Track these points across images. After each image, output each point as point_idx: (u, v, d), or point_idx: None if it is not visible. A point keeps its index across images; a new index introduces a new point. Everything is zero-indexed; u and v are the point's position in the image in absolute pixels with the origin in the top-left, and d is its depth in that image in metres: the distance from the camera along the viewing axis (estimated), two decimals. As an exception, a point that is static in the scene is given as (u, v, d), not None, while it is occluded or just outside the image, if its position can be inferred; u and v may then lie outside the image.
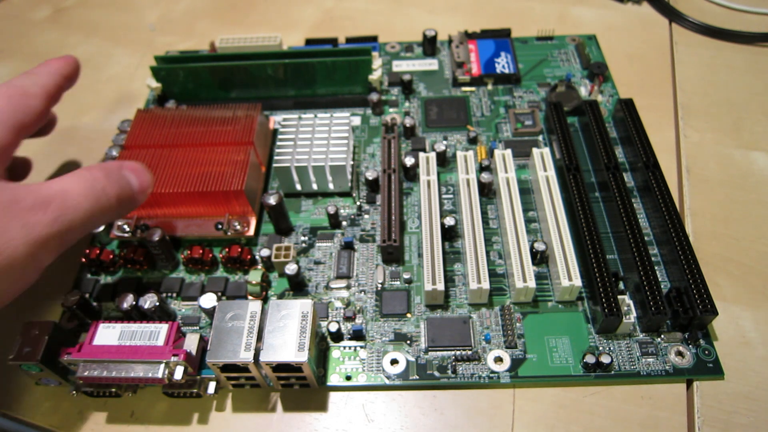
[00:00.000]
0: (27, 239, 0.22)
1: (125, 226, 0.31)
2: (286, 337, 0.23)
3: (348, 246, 0.31)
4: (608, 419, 0.24)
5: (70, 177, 0.24)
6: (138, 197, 0.26)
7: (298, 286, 0.29)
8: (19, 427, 0.26)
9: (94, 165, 0.25)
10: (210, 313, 0.27)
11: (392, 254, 0.30)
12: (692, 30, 0.43)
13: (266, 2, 0.49)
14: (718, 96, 0.38)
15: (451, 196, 0.33)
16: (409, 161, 0.33)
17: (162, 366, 0.23)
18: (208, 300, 0.27)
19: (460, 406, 0.25)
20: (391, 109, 0.38)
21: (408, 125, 0.35)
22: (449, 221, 0.30)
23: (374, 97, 0.37)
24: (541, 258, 0.29)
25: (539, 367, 0.26)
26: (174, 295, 0.30)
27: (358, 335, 0.27)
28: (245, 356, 0.23)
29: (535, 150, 0.32)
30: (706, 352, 0.26)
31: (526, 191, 0.33)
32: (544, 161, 0.31)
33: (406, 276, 0.29)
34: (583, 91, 0.38)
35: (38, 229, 0.22)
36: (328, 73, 0.36)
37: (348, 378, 0.26)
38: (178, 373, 0.23)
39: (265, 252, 0.29)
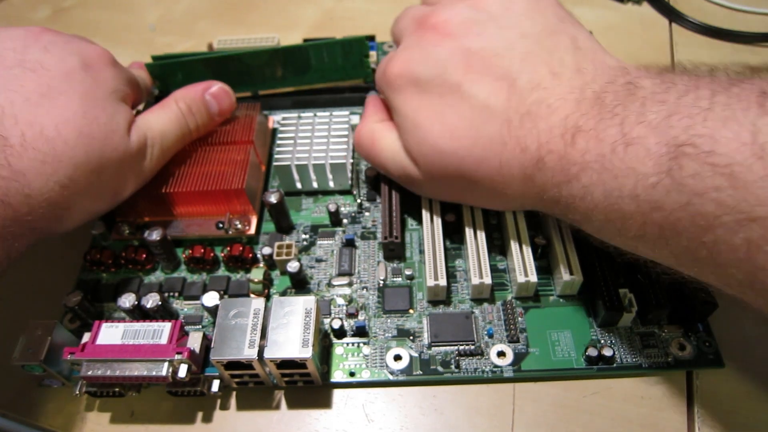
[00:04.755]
0: (137, 182, 0.28)
1: (126, 227, 0.31)
2: (290, 334, 0.23)
3: (349, 243, 0.31)
4: (608, 419, 0.24)
5: (165, 116, 0.29)
6: (216, 119, 0.32)
7: (300, 284, 0.29)
8: (21, 428, 0.26)
9: (180, 96, 0.30)
10: (213, 311, 0.27)
11: (394, 251, 0.30)
12: (692, 30, 0.43)
13: (266, 2, 0.49)
14: (717, 94, 0.38)
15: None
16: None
17: (166, 364, 0.23)
18: (211, 298, 0.27)
19: (460, 406, 0.25)
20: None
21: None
22: (450, 217, 0.30)
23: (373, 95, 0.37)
24: (542, 252, 0.29)
25: (542, 360, 0.26)
26: (176, 294, 0.30)
27: (361, 332, 0.27)
28: (249, 353, 0.23)
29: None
30: (707, 343, 0.26)
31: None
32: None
33: (407, 272, 0.29)
34: (582, 88, 0.38)
35: (145, 174, 0.28)
36: (321, 56, 0.36)
37: (352, 374, 0.26)
38: (182, 371, 0.23)
39: (266, 250, 0.29)
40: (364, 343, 0.27)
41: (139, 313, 0.27)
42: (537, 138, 0.21)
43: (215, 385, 0.25)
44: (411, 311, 0.28)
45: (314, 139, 0.33)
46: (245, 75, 0.37)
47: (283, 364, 0.24)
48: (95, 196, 0.26)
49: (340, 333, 0.27)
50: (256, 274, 0.29)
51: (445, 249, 0.30)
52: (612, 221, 0.20)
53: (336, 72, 0.37)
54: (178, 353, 0.23)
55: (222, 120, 0.32)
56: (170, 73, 0.36)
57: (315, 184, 0.33)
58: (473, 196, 0.27)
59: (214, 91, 0.31)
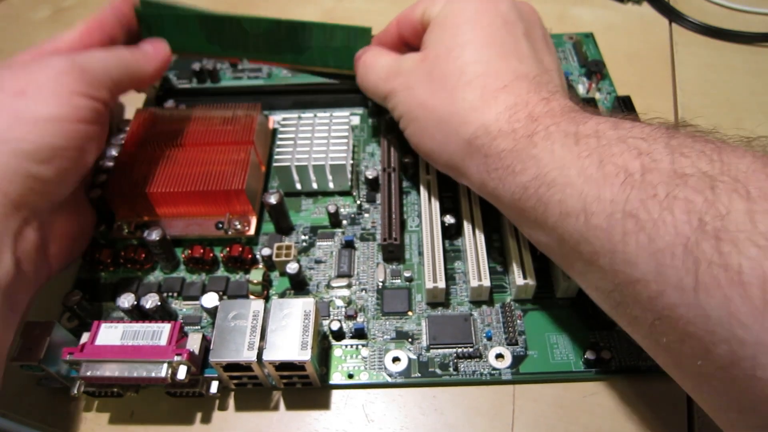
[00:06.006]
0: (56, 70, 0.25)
1: (125, 227, 0.31)
2: (289, 336, 0.23)
3: (349, 245, 0.31)
4: (608, 419, 0.24)
5: (102, 52, 0.28)
6: (158, 57, 0.31)
7: (299, 285, 0.29)
8: (21, 428, 0.26)
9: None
10: (212, 312, 0.27)
11: (393, 252, 0.30)
12: (692, 30, 0.43)
13: (266, 2, 0.49)
14: (718, 96, 0.38)
15: (451, 194, 0.33)
16: (408, 160, 0.33)
17: (165, 366, 0.23)
18: (210, 299, 0.27)
19: (460, 406, 0.25)
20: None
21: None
22: (449, 219, 0.30)
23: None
24: (542, 255, 0.29)
25: (540, 363, 0.26)
26: (175, 294, 0.30)
27: (359, 334, 0.27)
28: (248, 355, 0.23)
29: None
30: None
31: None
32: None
33: (407, 274, 0.29)
34: (581, 89, 0.38)
35: (62, 63, 0.25)
36: (324, 38, 0.34)
37: (350, 376, 0.26)
38: (182, 373, 0.23)
39: (266, 251, 0.29)
40: (363, 345, 0.27)
41: (138, 313, 0.27)
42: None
43: (214, 386, 0.25)
44: (410, 313, 0.28)
45: (314, 140, 0.33)
46: (240, 40, 0.34)
47: (282, 366, 0.24)
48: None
49: (339, 335, 0.27)
50: (256, 275, 0.29)
51: (444, 251, 0.30)
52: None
53: (334, 58, 0.35)
54: (177, 355, 0.23)
55: (165, 65, 0.32)
56: (161, 24, 0.33)
57: (315, 185, 0.33)
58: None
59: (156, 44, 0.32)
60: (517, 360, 0.26)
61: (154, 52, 0.31)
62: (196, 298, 0.29)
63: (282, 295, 0.29)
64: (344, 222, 0.32)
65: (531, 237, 0.24)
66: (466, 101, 0.24)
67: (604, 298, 0.21)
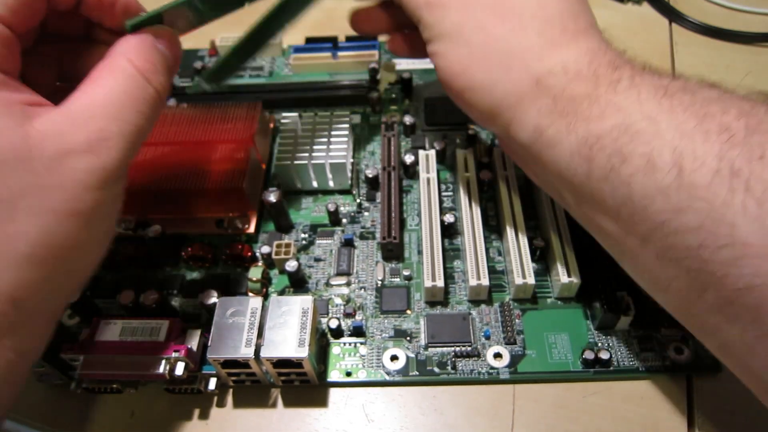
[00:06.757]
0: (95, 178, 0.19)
1: (126, 224, 0.31)
2: (287, 334, 0.24)
3: (348, 243, 0.31)
4: (608, 419, 0.24)
5: (113, 83, 0.20)
6: (174, 70, 0.23)
7: (298, 283, 0.29)
8: (21, 428, 0.26)
9: (129, 49, 0.21)
10: (211, 309, 0.27)
11: (392, 251, 0.30)
12: (692, 30, 0.43)
13: (268, 2, 0.49)
14: (718, 96, 0.38)
15: (450, 193, 0.33)
16: (408, 159, 0.33)
17: (163, 362, 0.23)
18: (209, 296, 0.27)
19: (460, 406, 0.25)
20: (392, 107, 0.38)
21: (408, 123, 0.36)
22: (449, 218, 0.30)
23: (374, 95, 0.37)
24: (540, 255, 0.29)
25: (538, 363, 0.26)
26: (174, 291, 0.30)
27: (358, 332, 0.27)
28: (246, 352, 0.23)
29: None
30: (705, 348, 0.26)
31: (526, 188, 0.33)
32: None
33: (405, 273, 0.29)
34: (583, 90, 0.38)
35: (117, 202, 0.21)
36: None
37: (348, 374, 0.26)
38: (179, 369, 0.23)
39: (265, 249, 0.30)
40: (361, 343, 0.27)
41: (138, 310, 0.27)
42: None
43: (212, 383, 0.25)
44: (408, 312, 0.28)
45: (315, 138, 0.33)
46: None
47: (280, 363, 0.24)
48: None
49: (338, 333, 0.27)
50: (255, 272, 0.29)
51: (444, 250, 0.30)
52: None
53: None
54: (175, 351, 0.23)
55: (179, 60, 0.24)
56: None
57: (315, 184, 0.33)
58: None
59: (164, 38, 0.23)
60: (515, 359, 0.26)
61: (173, 59, 0.23)
62: (196, 295, 0.29)
63: (281, 293, 0.29)
64: (344, 220, 0.32)
65: (575, 198, 0.22)
66: (545, 36, 0.22)
67: (672, 265, 0.19)
